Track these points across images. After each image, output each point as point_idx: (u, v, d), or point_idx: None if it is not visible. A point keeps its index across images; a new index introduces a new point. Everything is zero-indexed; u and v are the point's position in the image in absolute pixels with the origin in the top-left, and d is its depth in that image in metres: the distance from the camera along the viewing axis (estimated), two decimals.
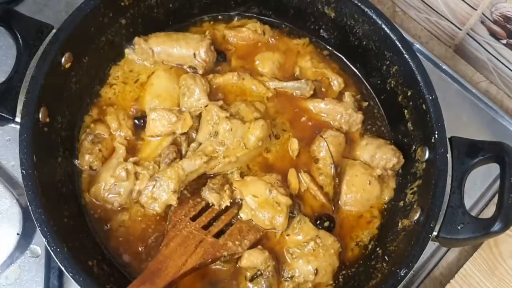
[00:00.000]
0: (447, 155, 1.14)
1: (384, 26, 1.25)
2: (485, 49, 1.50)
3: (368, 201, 1.28)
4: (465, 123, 1.49)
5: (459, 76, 1.54)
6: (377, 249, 1.24)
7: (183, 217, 1.18)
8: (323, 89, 1.38)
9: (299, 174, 1.27)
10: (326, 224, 1.24)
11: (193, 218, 1.19)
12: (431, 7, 1.54)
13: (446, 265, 1.39)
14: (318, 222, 1.24)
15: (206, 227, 1.18)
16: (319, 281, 1.20)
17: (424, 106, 1.20)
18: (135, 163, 1.22)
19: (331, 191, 1.27)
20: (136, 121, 1.30)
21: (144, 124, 1.28)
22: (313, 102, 1.35)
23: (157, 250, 1.15)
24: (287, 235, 1.22)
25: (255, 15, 1.44)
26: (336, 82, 1.38)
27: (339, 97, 1.37)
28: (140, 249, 1.20)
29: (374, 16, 1.26)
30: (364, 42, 1.34)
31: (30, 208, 1.05)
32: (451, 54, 1.61)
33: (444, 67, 1.54)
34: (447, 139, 1.16)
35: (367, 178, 1.28)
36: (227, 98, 1.33)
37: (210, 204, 1.21)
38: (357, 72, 1.41)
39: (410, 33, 1.60)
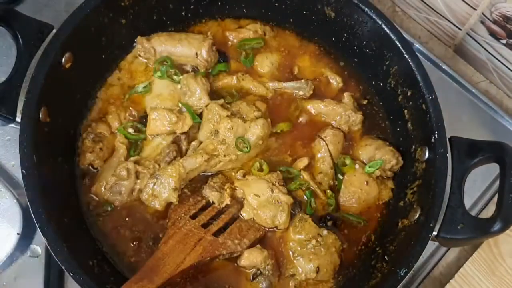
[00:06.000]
0: (447, 155, 1.14)
1: (384, 26, 1.25)
2: (485, 49, 1.50)
3: (366, 201, 1.28)
4: (465, 123, 1.49)
5: (459, 76, 1.54)
6: (377, 248, 1.24)
7: (182, 215, 1.18)
8: (322, 88, 1.38)
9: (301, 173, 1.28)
10: (330, 223, 1.25)
11: (193, 217, 1.19)
12: (431, 7, 1.53)
13: (446, 265, 1.39)
14: (321, 221, 1.25)
15: (205, 225, 1.18)
16: (320, 279, 1.20)
17: (424, 106, 1.20)
18: (136, 162, 1.22)
19: (331, 190, 1.28)
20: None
21: (145, 123, 1.28)
22: (312, 104, 1.35)
23: (156, 248, 1.15)
24: (289, 234, 1.22)
25: (256, 16, 1.44)
26: (335, 81, 1.38)
27: (338, 96, 1.37)
28: (139, 248, 1.20)
29: (374, 16, 1.26)
30: (364, 42, 1.34)
31: (30, 208, 1.05)
32: (451, 54, 1.61)
33: (444, 67, 1.54)
34: (447, 139, 1.16)
35: (365, 178, 1.28)
36: (227, 99, 1.32)
37: (211, 203, 1.21)
38: (357, 72, 1.41)
39: (410, 33, 1.60)
